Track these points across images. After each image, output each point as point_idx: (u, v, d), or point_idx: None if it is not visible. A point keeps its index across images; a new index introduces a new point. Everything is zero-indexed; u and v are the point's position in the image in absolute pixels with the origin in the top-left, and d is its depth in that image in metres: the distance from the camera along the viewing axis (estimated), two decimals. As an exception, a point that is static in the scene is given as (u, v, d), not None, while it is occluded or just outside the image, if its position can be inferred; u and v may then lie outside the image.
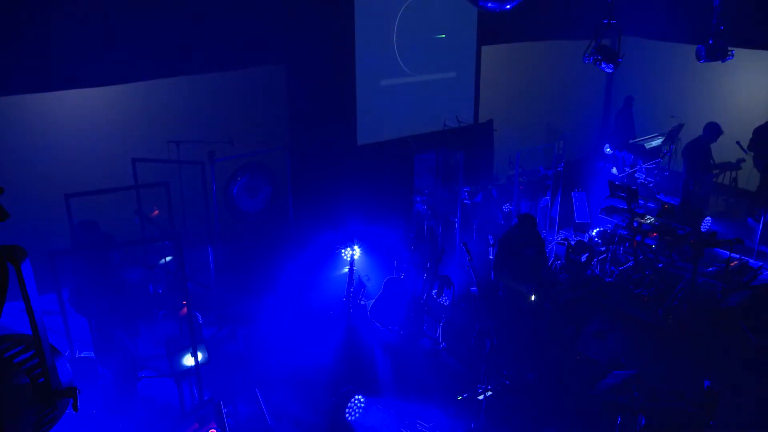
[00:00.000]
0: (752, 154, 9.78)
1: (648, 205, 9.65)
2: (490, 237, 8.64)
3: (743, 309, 7.14)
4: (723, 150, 9.91)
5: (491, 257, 8.14)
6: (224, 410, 5.13)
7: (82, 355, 6.05)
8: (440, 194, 9.08)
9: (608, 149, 11.49)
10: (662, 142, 11.03)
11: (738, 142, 9.87)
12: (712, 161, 9.43)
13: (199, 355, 5.44)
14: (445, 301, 7.52)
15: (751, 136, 9.71)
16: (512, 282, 6.73)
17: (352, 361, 6.60)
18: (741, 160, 10.13)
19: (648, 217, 8.49)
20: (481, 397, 5.69)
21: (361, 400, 5.74)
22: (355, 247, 7.04)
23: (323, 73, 8.47)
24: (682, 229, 8.09)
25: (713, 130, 9.06)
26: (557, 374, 6.35)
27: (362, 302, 7.40)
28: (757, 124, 9.70)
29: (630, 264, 8.09)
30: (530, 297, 6.64)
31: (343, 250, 7.09)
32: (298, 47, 8.11)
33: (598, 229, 8.98)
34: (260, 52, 7.97)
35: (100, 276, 5.74)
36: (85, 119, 7.84)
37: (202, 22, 7.33)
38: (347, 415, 5.67)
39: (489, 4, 4.86)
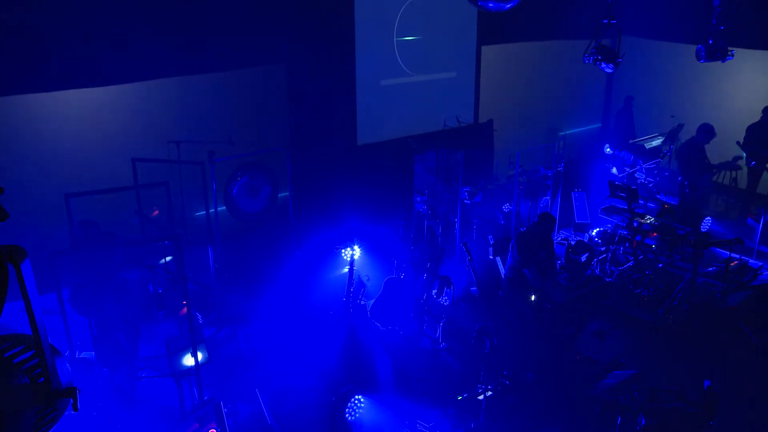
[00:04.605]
0: (745, 152, 9.83)
1: (648, 205, 9.65)
2: (490, 237, 8.64)
3: (743, 309, 7.14)
4: (721, 150, 9.92)
5: (491, 257, 8.14)
6: (224, 410, 5.13)
7: (82, 355, 6.06)
8: (440, 194, 9.08)
9: (608, 149, 11.50)
10: (662, 142, 11.04)
11: (739, 142, 9.89)
12: (707, 162, 9.43)
13: (199, 355, 5.44)
14: (445, 301, 7.52)
15: (744, 135, 9.75)
16: (538, 279, 6.70)
17: (352, 361, 6.60)
18: (738, 158, 10.15)
19: (648, 217, 8.49)
20: (481, 397, 5.70)
21: (361, 400, 5.73)
22: (355, 247, 7.04)
23: (323, 73, 8.46)
24: (682, 229, 8.09)
25: (707, 132, 9.07)
26: (557, 374, 6.35)
27: (362, 302, 7.40)
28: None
29: (630, 264, 8.08)
30: (530, 297, 6.65)
31: (343, 250, 7.09)
32: (298, 47, 8.11)
33: (598, 229, 8.98)
34: (260, 52, 7.97)
35: (100, 276, 5.74)
36: (85, 119, 7.84)
37: (201, 22, 7.33)
38: (347, 415, 5.66)
39: (489, 4, 4.86)
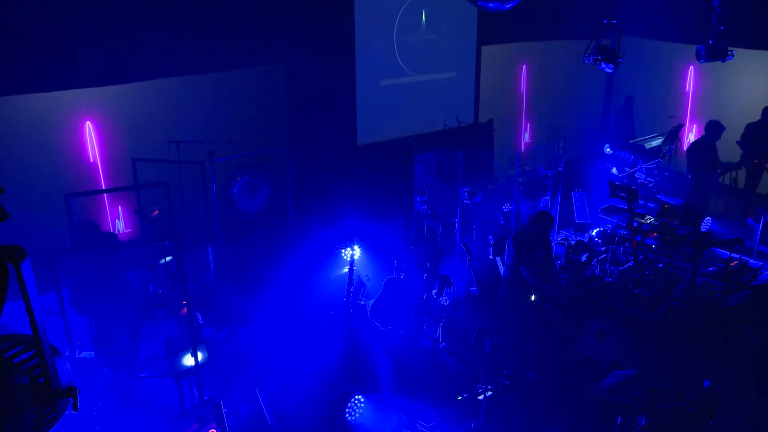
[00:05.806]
0: (743, 151, 9.80)
1: (648, 205, 9.64)
2: (490, 237, 8.64)
3: (743, 309, 7.13)
4: (721, 150, 9.91)
5: (491, 257, 8.14)
6: (224, 410, 5.13)
7: (82, 355, 6.06)
8: (440, 194, 9.08)
9: (608, 149, 11.49)
10: (662, 142, 11.03)
11: (738, 142, 9.87)
12: (718, 160, 9.36)
13: (199, 355, 5.44)
14: (445, 301, 7.52)
15: (742, 132, 9.73)
16: (534, 277, 6.68)
17: (352, 361, 6.59)
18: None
19: (648, 217, 8.48)
20: (481, 397, 5.70)
21: (361, 400, 5.74)
22: (355, 247, 7.04)
23: (323, 73, 8.47)
24: (682, 229, 8.09)
25: (716, 128, 8.99)
26: (557, 374, 6.35)
27: (362, 302, 7.40)
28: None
29: (630, 264, 8.08)
30: (530, 297, 6.64)
31: (343, 250, 7.09)
32: (298, 47, 8.11)
33: (598, 229, 8.98)
34: (260, 52, 7.97)
35: (100, 276, 5.75)
36: (84, 119, 7.84)
37: (202, 22, 7.33)
38: (347, 415, 5.66)
39: (489, 4, 4.86)
